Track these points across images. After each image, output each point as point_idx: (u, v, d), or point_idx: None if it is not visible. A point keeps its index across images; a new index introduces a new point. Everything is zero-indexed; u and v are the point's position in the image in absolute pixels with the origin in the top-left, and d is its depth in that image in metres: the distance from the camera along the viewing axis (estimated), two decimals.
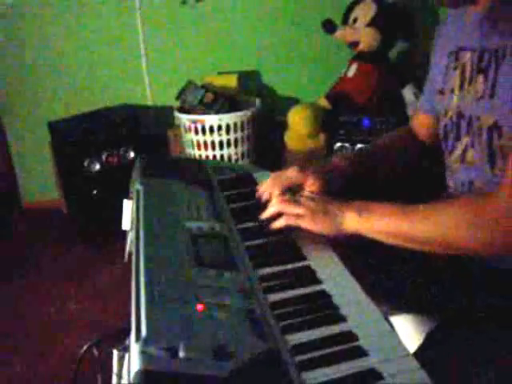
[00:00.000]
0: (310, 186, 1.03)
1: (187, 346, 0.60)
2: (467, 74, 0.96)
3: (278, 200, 0.97)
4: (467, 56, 0.96)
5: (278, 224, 0.94)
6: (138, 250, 0.81)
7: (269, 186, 1.05)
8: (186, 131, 2.54)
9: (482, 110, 0.92)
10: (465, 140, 0.99)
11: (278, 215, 0.95)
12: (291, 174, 1.05)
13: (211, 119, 2.44)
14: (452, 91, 1.00)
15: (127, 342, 0.87)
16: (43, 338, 1.93)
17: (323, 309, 0.76)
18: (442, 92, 1.05)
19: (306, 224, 0.92)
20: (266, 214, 0.97)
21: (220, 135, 2.47)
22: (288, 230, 0.95)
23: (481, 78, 0.92)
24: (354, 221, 0.91)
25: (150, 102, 2.84)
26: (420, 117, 1.24)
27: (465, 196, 0.98)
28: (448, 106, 1.02)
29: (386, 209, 0.91)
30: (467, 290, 0.96)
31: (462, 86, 0.98)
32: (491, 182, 0.95)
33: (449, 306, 0.97)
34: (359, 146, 2.37)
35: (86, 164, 2.49)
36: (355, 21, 2.54)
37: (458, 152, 1.01)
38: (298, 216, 0.93)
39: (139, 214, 0.94)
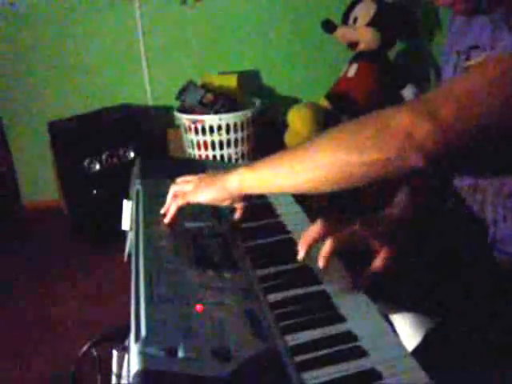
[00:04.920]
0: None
1: (187, 346, 0.60)
2: None
3: (169, 193, 0.95)
4: (481, 56, 0.94)
5: (172, 209, 0.92)
6: (138, 250, 0.81)
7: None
8: (186, 131, 2.54)
9: None
10: None
11: None
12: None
13: (211, 119, 2.44)
14: None
15: (127, 343, 0.87)
16: (43, 337, 1.93)
17: (323, 309, 0.76)
18: None
19: (191, 197, 0.91)
20: (163, 210, 0.94)
21: (220, 135, 2.47)
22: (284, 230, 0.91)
23: None
24: (237, 176, 0.86)
25: (150, 102, 2.85)
26: None
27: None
28: None
29: (272, 156, 0.84)
30: (467, 289, 0.96)
31: None
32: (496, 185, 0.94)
33: (449, 305, 0.97)
34: None
35: (85, 164, 2.49)
36: (355, 21, 2.54)
37: None
38: (183, 194, 0.92)
39: (139, 214, 0.94)
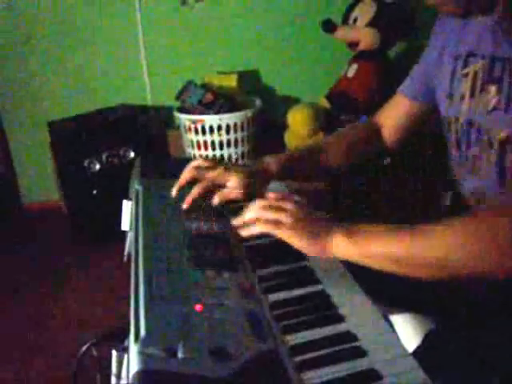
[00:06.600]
0: (232, 187, 0.97)
1: (186, 346, 0.59)
2: (478, 82, 0.93)
3: (258, 204, 0.85)
4: (479, 63, 0.93)
5: (252, 231, 0.83)
6: (138, 251, 0.81)
7: (186, 177, 0.99)
8: (185, 131, 2.54)
9: (494, 122, 0.89)
10: (474, 150, 0.96)
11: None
12: (214, 173, 0.98)
13: (211, 119, 2.44)
14: (462, 98, 0.97)
15: (126, 343, 0.87)
16: (43, 337, 1.93)
17: (323, 309, 0.76)
18: (450, 97, 1.01)
19: (286, 235, 0.81)
20: (241, 220, 0.86)
21: (220, 135, 2.47)
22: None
23: (493, 89, 0.89)
24: (343, 245, 0.80)
25: (149, 102, 2.84)
26: (398, 99, 1.21)
27: (471, 213, 0.84)
28: (459, 113, 0.99)
29: (378, 231, 0.80)
30: (467, 289, 0.96)
31: (472, 94, 0.95)
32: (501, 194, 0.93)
33: (448, 306, 0.97)
34: None
35: (85, 164, 2.49)
36: (355, 21, 2.54)
37: (468, 161, 0.99)
38: (277, 223, 0.82)
39: (138, 214, 0.94)
